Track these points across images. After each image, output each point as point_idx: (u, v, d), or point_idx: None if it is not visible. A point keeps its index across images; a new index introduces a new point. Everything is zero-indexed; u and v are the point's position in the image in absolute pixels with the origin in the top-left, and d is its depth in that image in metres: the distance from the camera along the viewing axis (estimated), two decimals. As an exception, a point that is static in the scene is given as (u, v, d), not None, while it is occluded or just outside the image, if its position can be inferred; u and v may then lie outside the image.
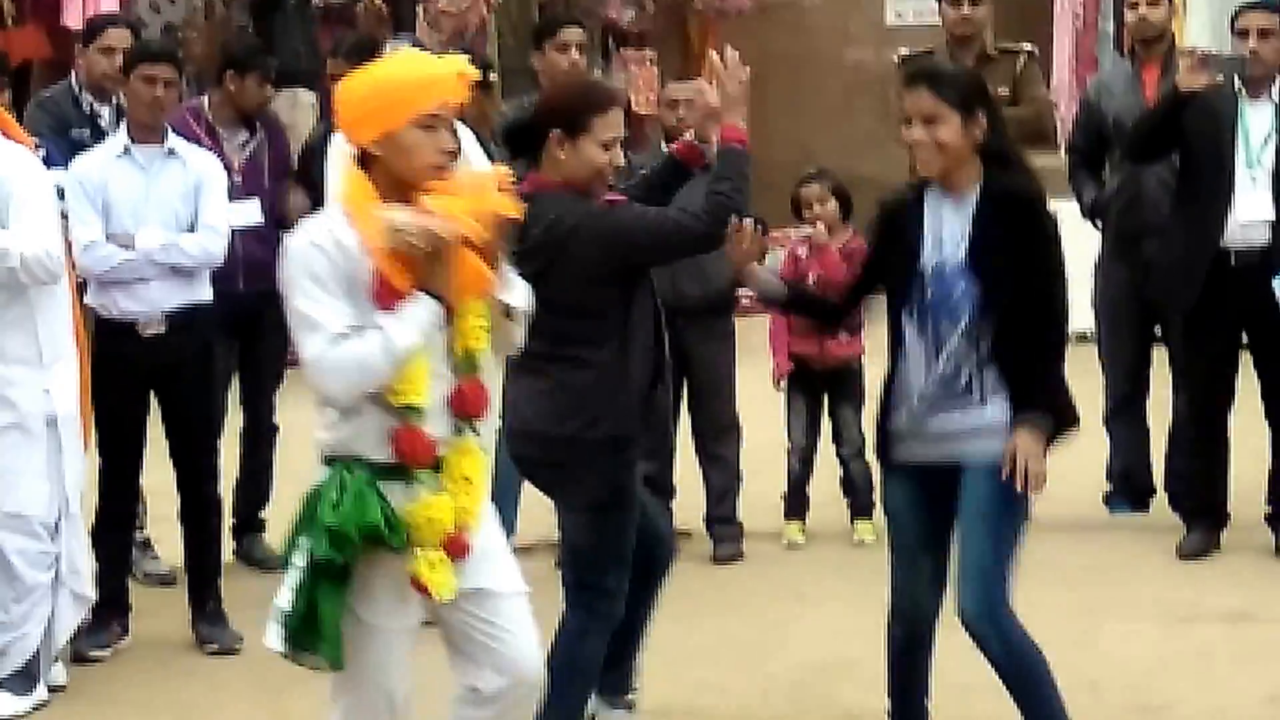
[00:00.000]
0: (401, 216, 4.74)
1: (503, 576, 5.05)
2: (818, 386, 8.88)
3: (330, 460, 4.91)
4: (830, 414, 8.92)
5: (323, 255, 4.77)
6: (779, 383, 8.90)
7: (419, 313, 4.77)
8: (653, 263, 6.02)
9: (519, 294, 5.07)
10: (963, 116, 5.59)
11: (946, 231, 5.65)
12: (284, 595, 4.86)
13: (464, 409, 4.94)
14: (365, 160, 4.87)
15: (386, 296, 4.76)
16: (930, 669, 5.98)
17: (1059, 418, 5.74)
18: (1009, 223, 5.59)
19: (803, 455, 8.89)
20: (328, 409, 4.92)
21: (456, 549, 4.89)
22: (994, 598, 5.64)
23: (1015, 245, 5.57)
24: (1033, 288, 5.58)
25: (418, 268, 4.76)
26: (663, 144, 8.63)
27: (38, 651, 6.86)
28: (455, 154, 5.07)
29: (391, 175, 4.83)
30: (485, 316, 4.97)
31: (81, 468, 7.02)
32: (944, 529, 5.78)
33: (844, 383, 8.86)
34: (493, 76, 9.73)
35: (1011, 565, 5.70)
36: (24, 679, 6.84)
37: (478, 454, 4.98)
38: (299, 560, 4.82)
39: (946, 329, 5.63)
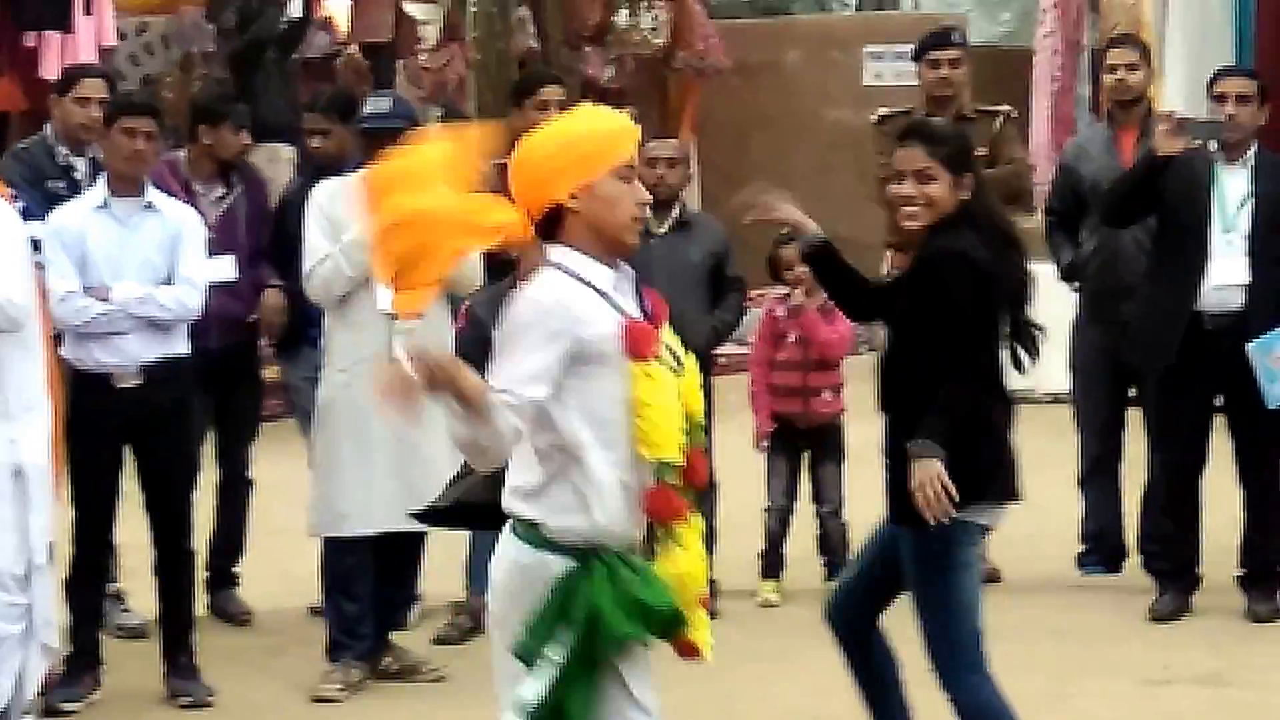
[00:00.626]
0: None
1: None
2: (799, 446, 8.88)
3: (544, 541, 4.71)
4: (811, 471, 8.92)
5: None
6: (760, 443, 8.89)
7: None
8: None
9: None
10: (953, 176, 5.66)
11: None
12: (531, 688, 4.68)
13: (692, 479, 4.81)
14: (550, 221, 4.73)
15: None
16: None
17: (996, 485, 5.76)
18: (921, 279, 5.66)
19: (781, 515, 8.89)
20: (525, 474, 4.72)
21: (706, 606, 4.85)
22: (952, 661, 5.67)
23: (923, 302, 5.62)
24: (931, 343, 5.59)
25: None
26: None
27: (9, 705, 6.81)
28: (649, 205, 4.91)
29: (590, 229, 4.69)
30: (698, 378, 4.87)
31: (49, 519, 6.95)
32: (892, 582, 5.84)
33: (826, 440, 8.86)
34: (471, 131, 9.75)
35: (962, 624, 5.70)
36: None
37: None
38: (556, 654, 4.65)
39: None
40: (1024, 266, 5.84)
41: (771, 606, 8.77)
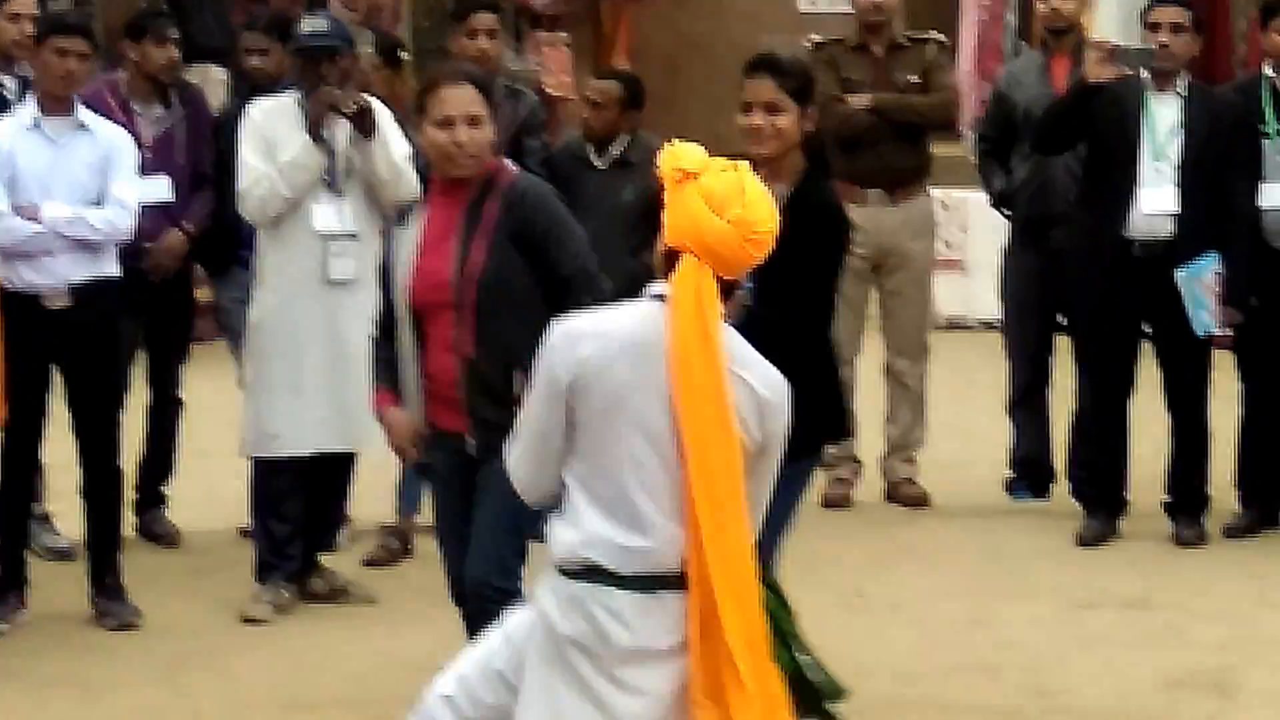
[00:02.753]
0: None
1: None
2: None
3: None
4: None
5: None
6: None
7: None
8: None
9: None
10: (800, 108, 5.70)
11: None
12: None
13: None
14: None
15: None
16: None
17: (826, 424, 5.76)
18: (802, 224, 5.46)
19: None
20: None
21: None
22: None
23: (799, 244, 5.40)
24: (798, 281, 5.51)
25: None
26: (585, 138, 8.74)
27: None
28: None
29: None
30: None
31: None
32: None
33: None
34: (404, 56, 9.65)
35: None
36: None
37: None
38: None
39: None
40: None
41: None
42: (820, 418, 5.56)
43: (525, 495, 4.48)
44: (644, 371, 4.26)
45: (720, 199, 4.28)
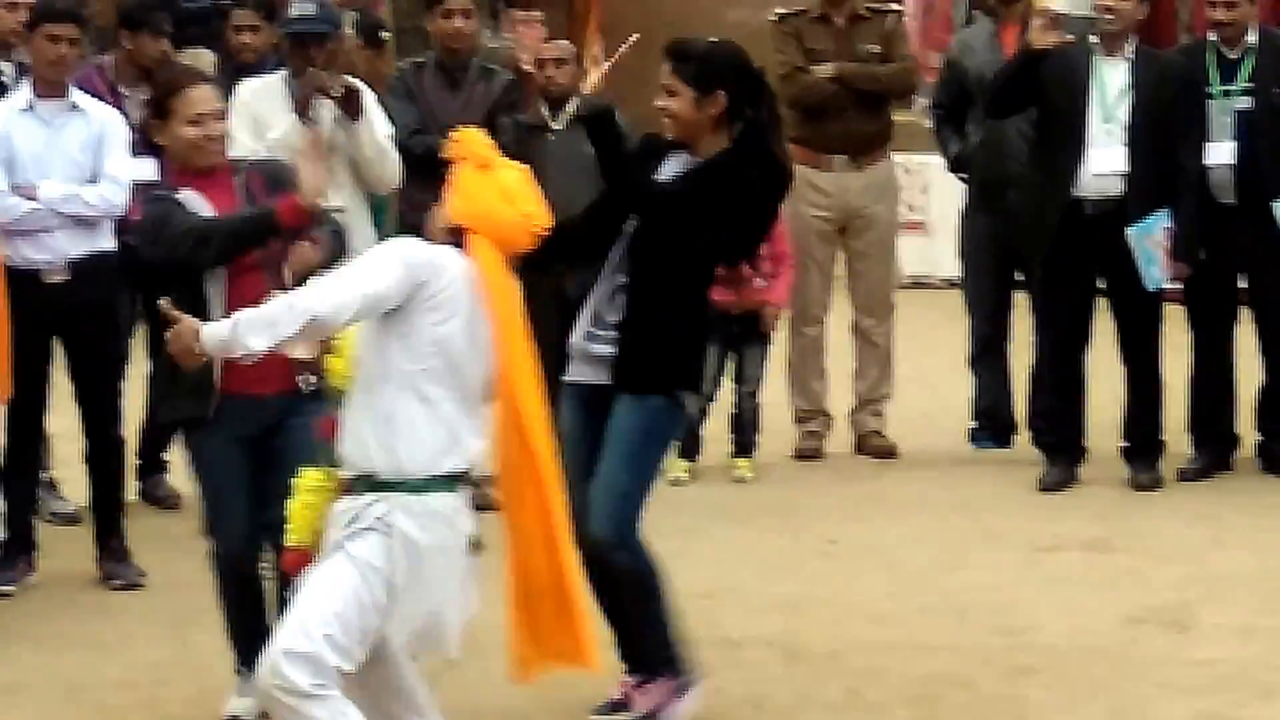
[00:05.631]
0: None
1: None
2: (733, 331, 8.76)
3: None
4: (736, 350, 8.84)
5: None
6: None
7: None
8: None
9: None
10: (696, 94, 5.69)
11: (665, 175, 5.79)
12: None
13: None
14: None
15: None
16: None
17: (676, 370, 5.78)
18: (703, 180, 5.68)
19: (704, 402, 8.78)
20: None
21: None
22: (631, 517, 5.70)
23: (697, 198, 5.65)
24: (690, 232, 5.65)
25: None
26: (541, 102, 8.64)
27: None
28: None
29: None
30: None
31: None
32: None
33: (757, 322, 8.79)
34: (385, 35, 9.65)
35: (648, 491, 5.75)
36: None
37: None
38: None
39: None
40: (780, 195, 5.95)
41: (680, 485, 8.78)
42: (667, 360, 5.67)
43: (323, 319, 4.81)
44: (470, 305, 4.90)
45: (514, 193, 4.97)
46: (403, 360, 4.85)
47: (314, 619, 4.78)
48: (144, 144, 8.13)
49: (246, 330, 4.81)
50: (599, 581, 5.69)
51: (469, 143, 4.98)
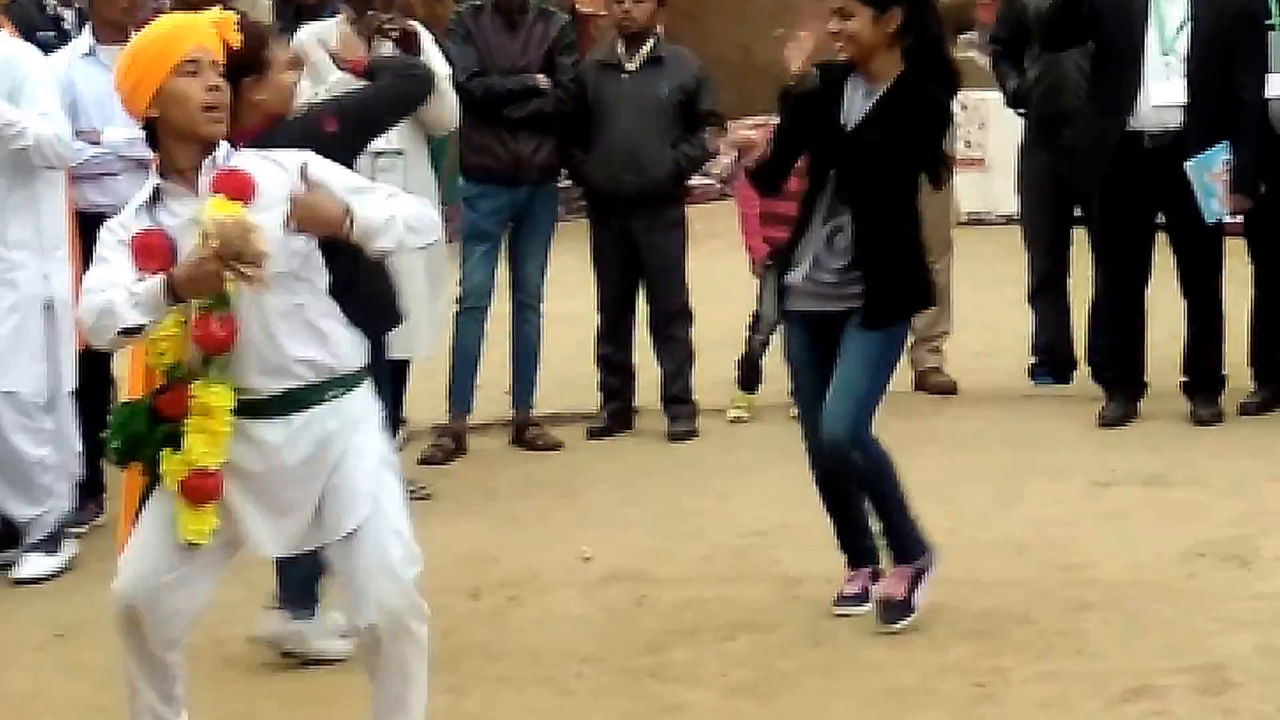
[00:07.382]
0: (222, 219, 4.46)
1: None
2: None
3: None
4: None
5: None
6: (756, 267, 8.76)
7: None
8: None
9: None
10: (874, 12, 5.78)
11: (855, 112, 5.88)
12: None
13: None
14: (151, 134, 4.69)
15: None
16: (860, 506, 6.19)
17: (915, 295, 6.07)
18: (902, 116, 5.82)
19: (769, 330, 8.69)
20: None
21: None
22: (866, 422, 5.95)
23: (900, 135, 5.81)
24: (902, 169, 5.89)
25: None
26: (618, 40, 8.59)
27: (30, 522, 6.98)
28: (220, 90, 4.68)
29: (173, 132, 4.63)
30: None
31: (75, 350, 6.98)
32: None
33: None
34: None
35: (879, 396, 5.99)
36: (52, 542, 7.02)
37: None
38: None
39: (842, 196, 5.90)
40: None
41: (742, 422, 8.73)
42: (906, 289, 5.96)
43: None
44: None
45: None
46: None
47: (409, 535, 4.74)
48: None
49: (404, 228, 4.72)
50: (835, 489, 6.12)
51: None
